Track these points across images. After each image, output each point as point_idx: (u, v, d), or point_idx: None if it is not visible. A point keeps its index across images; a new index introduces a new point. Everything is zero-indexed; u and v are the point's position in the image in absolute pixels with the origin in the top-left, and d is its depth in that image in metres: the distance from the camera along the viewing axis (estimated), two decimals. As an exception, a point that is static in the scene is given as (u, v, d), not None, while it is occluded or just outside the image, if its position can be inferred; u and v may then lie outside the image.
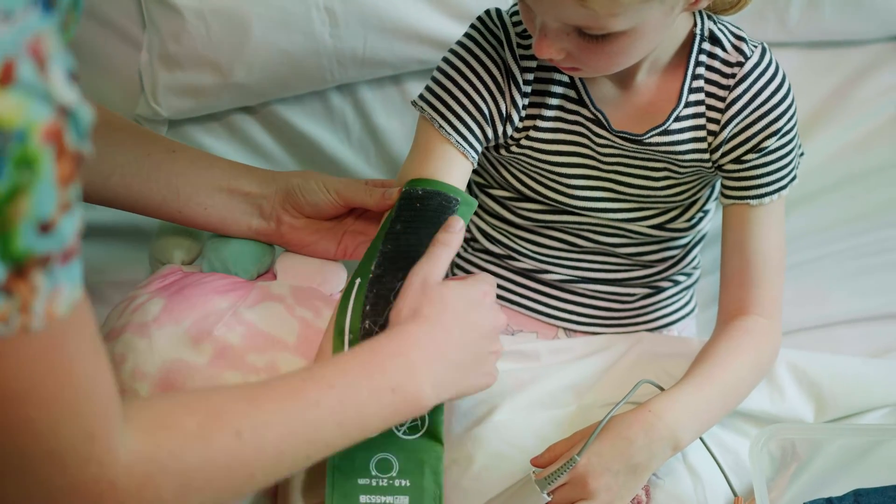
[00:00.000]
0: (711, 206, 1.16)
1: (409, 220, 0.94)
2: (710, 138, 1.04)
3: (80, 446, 0.63)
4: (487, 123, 1.02)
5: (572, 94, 1.04)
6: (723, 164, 1.05)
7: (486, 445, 1.03)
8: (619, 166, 1.07)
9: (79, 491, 0.64)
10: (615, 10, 0.85)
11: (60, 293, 0.59)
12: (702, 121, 1.04)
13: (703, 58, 1.03)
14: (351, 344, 0.88)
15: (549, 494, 0.95)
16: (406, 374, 0.81)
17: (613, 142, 1.05)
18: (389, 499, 0.86)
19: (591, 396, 1.08)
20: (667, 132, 1.04)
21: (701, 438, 1.01)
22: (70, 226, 0.58)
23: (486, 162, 1.13)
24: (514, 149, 1.06)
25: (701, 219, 1.15)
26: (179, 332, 0.96)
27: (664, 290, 1.19)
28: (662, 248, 1.16)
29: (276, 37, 1.22)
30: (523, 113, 1.04)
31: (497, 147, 1.07)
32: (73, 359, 0.62)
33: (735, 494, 1.03)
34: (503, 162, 1.10)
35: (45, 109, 0.55)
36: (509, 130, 1.04)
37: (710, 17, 1.04)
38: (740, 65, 1.02)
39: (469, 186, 1.16)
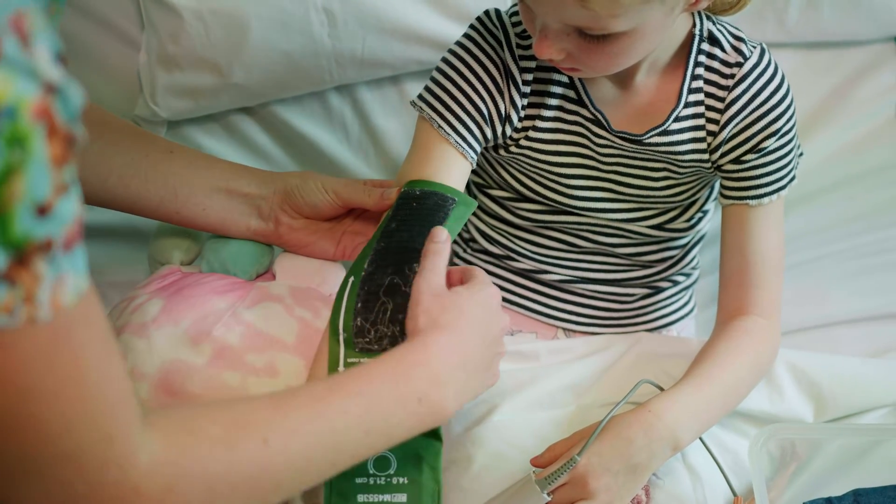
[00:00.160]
0: (710, 206, 1.16)
1: (405, 218, 0.94)
2: (709, 138, 1.04)
3: (96, 448, 0.62)
4: (486, 124, 1.02)
5: (572, 94, 1.04)
6: (722, 165, 1.05)
7: (486, 445, 1.03)
8: (618, 166, 1.07)
9: (100, 496, 0.63)
10: (616, 10, 0.85)
11: (65, 282, 0.58)
12: (701, 121, 1.04)
13: (702, 58, 1.03)
14: (346, 342, 0.88)
15: (549, 494, 0.95)
16: (431, 383, 0.81)
17: (613, 142, 1.05)
18: (387, 497, 0.86)
19: (590, 396, 1.08)
20: (666, 132, 1.04)
21: (700, 438, 1.01)
22: (68, 209, 0.57)
23: (485, 162, 1.13)
24: (513, 149, 1.06)
25: (700, 219, 1.15)
26: (178, 332, 0.96)
27: (663, 290, 1.19)
28: (662, 248, 1.16)
29: (274, 37, 1.22)
30: (522, 113, 1.04)
31: (496, 147, 1.07)
32: (82, 353, 0.60)
33: (734, 494, 1.03)
34: (502, 162, 1.10)
35: (32, 86, 0.54)
36: (508, 131, 1.04)
37: (708, 18, 1.04)
38: (739, 65, 1.02)
39: (468, 187, 1.16)
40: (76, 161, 0.57)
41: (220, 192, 1.05)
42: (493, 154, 1.09)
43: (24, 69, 0.53)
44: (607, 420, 0.96)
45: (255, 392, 0.94)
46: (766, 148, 1.03)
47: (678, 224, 1.14)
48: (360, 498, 0.86)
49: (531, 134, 1.05)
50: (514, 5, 1.04)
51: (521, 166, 1.09)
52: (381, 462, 0.87)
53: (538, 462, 0.97)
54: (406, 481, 0.86)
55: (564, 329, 1.18)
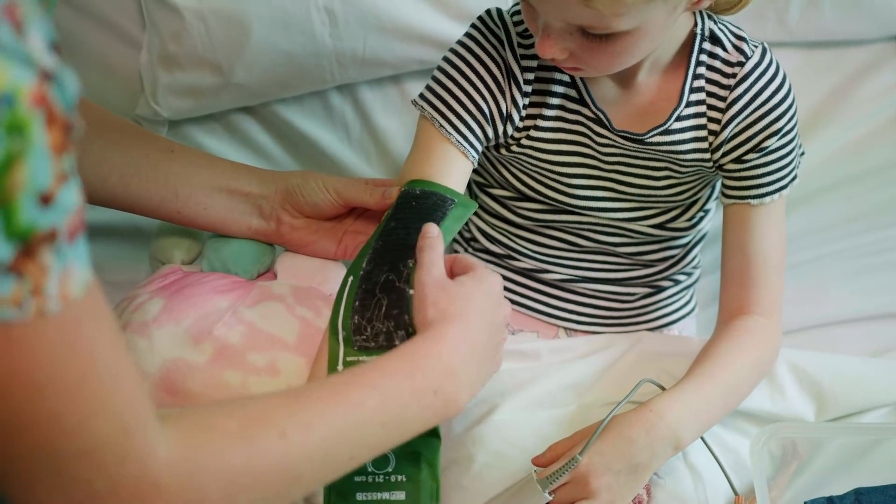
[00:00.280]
0: (712, 205, 1.16)
1: (403, 217, 0.94)
2: (710, 138, 1.05)
3: (114, 442, 0.61)
4: (488, 123, 1.02)
5: (573, 93, 1.04)
6: (723, 164, 1.05)
7: (487, 445, 1.03)
8: (620, 166, 1.07)
9: (121, 492, 0.62)
10: (620, 9, 0.85)
11: (72, 274, 0.57)
12: (703, 120, 1.04)
13: (703, 57, 1.03)
14: (345, 341, 0.88)
15: (550, 494, 0.95)
16: (445, 376, 0.81)
17: (615, 141, 1.05)
18: (386, 495, 0.86)
19: (591, 396, 1.08)
20: (668, 132, 1.04)
21: (702, 438, 1.01)
22: (70, 198, 0.56)
23: (486, 161, 1.13)
24: (514, 148, 1.06)
25: (701, 218, 1.15)
26: (179, 331, 0.96)
27: (664, 289, 1.19)
28: (663, 247, 1.16)
29: (275, 37, 1.22)
30: (524, 112, 1.04)
31: (497, 146, 1.07)
32: (93, 345, 0.60)
33: (736, 493, 1.03)
34: (503, 161, 1.10)
35: (28, 73, 0.53)
36: (510, 130, 1.04)
37: (710, 17, 1.04)
38: (741, 65, 1.02)
39: (469, 186, 1.16)
40: (74, 150, 0.57)
41: (221, 191, 1.05)
42: (495, 153, 1.09)
43: (20, 56, 0.53)
44: (609, 419, 0.96)
45: (255, 391, 0.94)
46: (767, 147, 1.03)
47: (679, 223, 1.14)
48: (360, 496, 0.86)
49: (532, 133, 1.05)
50: (516, 4, 1.04)
51: (522, 165, 1.09)
52: (379, 460, 0.87)
53: (539, 461, 0.97)
54: (405, 479, 0.86)
55: (566, 328, 1.18)
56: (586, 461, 0.94)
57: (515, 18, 1.03)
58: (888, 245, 1.38)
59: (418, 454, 0.87)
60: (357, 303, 0.89)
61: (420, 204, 0.95)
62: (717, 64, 1.03)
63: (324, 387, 0.76)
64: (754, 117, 1.03)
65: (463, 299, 0.85)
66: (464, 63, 1.02)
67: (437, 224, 0.92)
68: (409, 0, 1.25)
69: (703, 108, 1.04)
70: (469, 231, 1.19)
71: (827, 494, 1.04)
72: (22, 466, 0.60)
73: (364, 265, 0.91)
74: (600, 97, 1.04)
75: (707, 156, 1.05)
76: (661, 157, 1.06)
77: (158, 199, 1.04)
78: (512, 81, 1.02)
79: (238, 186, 1.05)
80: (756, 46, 1.03)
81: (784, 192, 1.06)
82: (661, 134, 1.04)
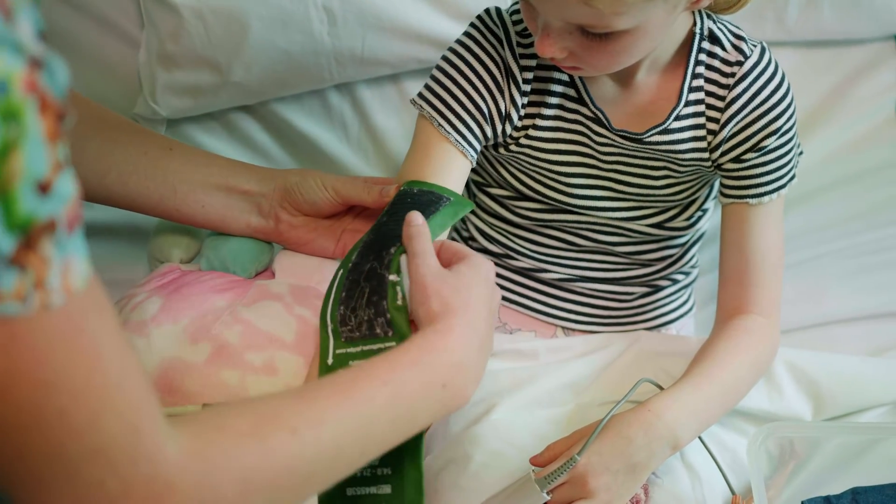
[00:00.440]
0: (710, 204, 1.16)
1: (396, 212, 0.94)
2: (709, 137, 1.05)
3: (124, 441, 0.59)
4: (487, 122, 1.02)
5: (572, 92, 1.04)
6: (722, 163, 1.05)
7: (485, 444, 1.03)
8: (618, 165, 1.07)
9: (134, 494, 0.60)
10: (620, 8, 0.85)
11: (73, 265, 0.56)
12: (701, 120, 1.04)
13: (702, 57, 1.03)
14: (333, 333, 0.88)
15: (548, 493, 0.95)
16: (453, 368, 0.80)
17: (613, 140, 1.05)
18: (373, 489, 0.86)
19: (589, 395, 1.08)
20: (667, 131, 1.04)
21: (699, 437, 1.01)
22: (67, 187, 0.55)
23: (484, 161, 1.13)
24: (513, 147, 1.06)
25: (700, 217, 1.15)
26: (177, 330, 0.96)
27: (663, 288, 1.19)
28: (661, 246, 1.16)
29: (274, 36, 1.22)
30: (522, 112, 1.04)
31: (496, 146, 1.07)
32: (98, 340, 0.58)
33: (733, 493, 1.03)
34: (502, 161, 1.10)
35: (19, 60, 0.52)
36: (508, 129, 1.04)
37: (709, 17, 1.04)
38: (740, 64, 1.02)
39: (468, 185, 1.16)
40: (67, 140, 0.56)
41: (219, 189, 1.05)
42: (493, 152, 1.09)
43: (9, 43, 0.52)
44: (607, 419, 0.96)
45: (253, 391, 0.94)
46: (766, 147, 1.03)
47: (678, 223, 1.14)
48: (349, 491, 0.86)
49: (531, 132, 1.05)
50: (515, 3, 1.04)
51: (521, 165, 1.09)
52: None
53: (537, 461, 0.97)
54: (389, 472, 0.86)
55: (563, 327, 1.18)
56: (584, 461, 0.94)
57: (514, 17, 1.03)
58: (886, 244, 1.38)
59: (401, 448, 0.87)
60: (344, 294, 0.89)
61: (415, 201, 0.95)
62: (716, 63, 1.03)
63: (333, 383, 0.76)
64: (753, 116, 1.03)
65: (465, 289, 0.84)
66: (462, 62, 1.02)
67: (429, 217, 0.92)
68: (407, -1, 1.26)
69: (701, 108, 1.04)
70: (467, 230, 1.19)
71: (824, 494, 1.04)
72: (29, 467, 0.58)
73: (353, 258, 0.91)
74: (599, 96, 1.04)
75: (706, 155, 1.05)
76: (659, 157, 1.06)
77: (157, 197, 1.04)
78: (511, 81, 1.02)
79: (236, 184, 1.05)
80: (755, 46, 1.03)
81: (782, 191, 1.06)
82: (659, 133, 1.04)
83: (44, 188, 0.54)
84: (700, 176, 1.09)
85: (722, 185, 1.07)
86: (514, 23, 1.03)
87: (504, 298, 1.17)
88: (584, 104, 1.04)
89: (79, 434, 0.58)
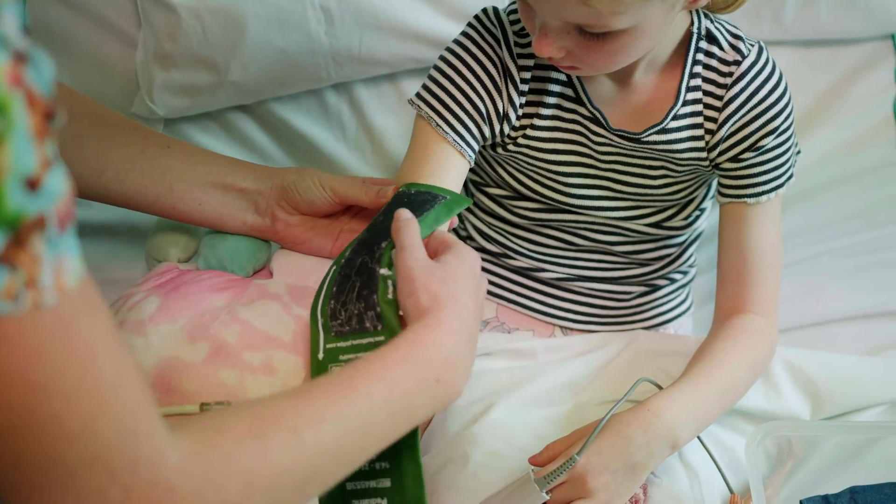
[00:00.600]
0: (708, 204, 1.16)
1: (391, 212, 0.94)
2: (707, 137, 1.05)
3: (121, 446, 0.58)
4: (484, 122, 1.02)
5: (570, 92, 1.04)
6: (720, 163, 1.05)
7: (483, 444, 1.03)
8: (616, 164, 1.07)
9: (136, 501, 0.59)
10: (617, 8, 0.85)
11: (66, 264, 0.55)
12: (699, 119, 1.04)
13: (700, 56, 1.03)
14: (323, 327, 0.88)
15: (547, 493, 0.95)
16: (445, 362, 0.80)
17: (611, 140, 1.05)
18: (373, 483, 0.86)
19: (587, 394, 1.08)
20: (665, 130, 1.04)
21: (698, 436, 1.01)
22: (57, 185, 0.54)
23: (482, 160, 1.13)
24: (510, 147, 1.06)
25: (698, 217, 1.15)
26: (175, 330, 0.96)
27: (660, 288, 1.19)
28: (659, 246, 1.16)
29: (271, 35, 1.22)
30: (520, 111, 1.04)
31: (494, 146, 1.07)
32: (92, 341, 0.57)
33: (731, 492, 1.03)
34: (500, 160, 1.10)
35: (2, 54, 0.51)
36: (506, 129, 1.04)
37: (706, 16, 1.04)
38: (737, 63, 1.02)
39: (466, 185, 1.16)
40: (55, 138, 0.55)
41: (216, 187, 1.04)
42: (491, 152, 1.09)
43: None
44: (607, 419, 0.96)
45: (252, 390, 0.94)
46: (764, 146, 1.03)
47: (676, 222, 1.14)
48: (349, 486, 0.86)
49: (529, 132, 1.05)
50: (512, 3, 1.04)
51: (518, 164, 1.09)
52: None
53: (536, 461, 0.97)
54: (388, 466, 0.87)
55: (562, 327, 1.18)
56: (584, 460, 0.94)
57: (512, 17, 1.03)
58: (884, 243, 1.38)
59: (397, 442, 0.87)
60: (335, 288, 0.89)
61: (411, 201, 0.95)
62: (714, 63, 1.03)
63: (330, 382, 0.75)
64: (751, 116, 1.03)
65: (452, 281, 0.84)
66: (460, 62, 1.02)
67: (423, 214, 0.92)
68: (405, -2, 1.25)
69: (699, 107, 1.04)
70: (465, 229, 1.19)
71: (822, 493, 1.05)
72: (24, 474, 0.57)
73: (346, 254, 0.91)
74: (597, 96, 1.04)
75: (703, 154, 1.05)
76: (657, 156, 1.06)
77: (154, 195, 1.03)
78: (508, 80, 1.02)
79: (233, 182, 1.05)
80: (752, 45, 1.03)
81: (780, 190, 1.06)
82: (657, 133, 1.04)
83: (32, 184, 0.53)
84: (698, 175, 1.09)
85: (720, 184, 1.07)
86: (512, 22, 1.03)
87: (502, 298, 1.18)
88: (582, 104, 1.04)
89: (72, 439, 0.57)
